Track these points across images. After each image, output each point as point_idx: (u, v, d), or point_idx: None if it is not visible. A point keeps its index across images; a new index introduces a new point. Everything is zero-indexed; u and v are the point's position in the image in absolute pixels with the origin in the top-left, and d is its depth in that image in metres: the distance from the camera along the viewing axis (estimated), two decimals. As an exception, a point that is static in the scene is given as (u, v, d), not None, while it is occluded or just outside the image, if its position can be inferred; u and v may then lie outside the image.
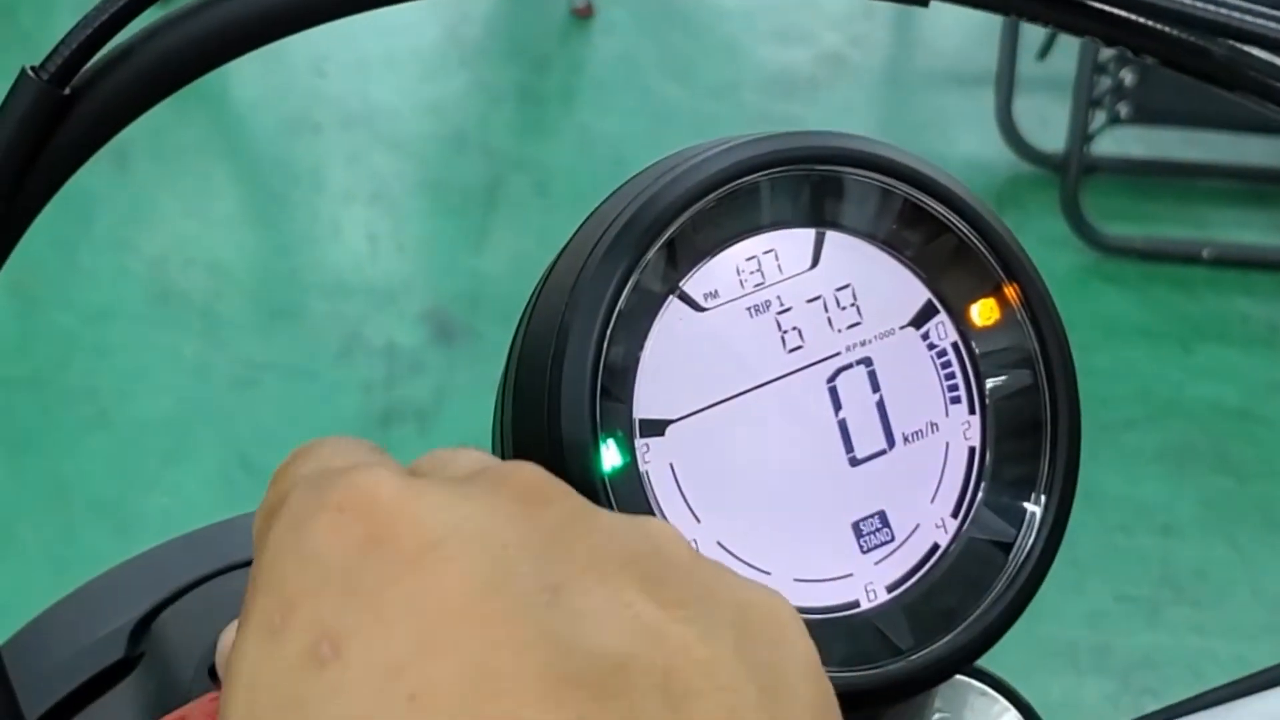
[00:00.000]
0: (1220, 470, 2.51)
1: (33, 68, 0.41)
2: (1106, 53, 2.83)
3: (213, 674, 0.47)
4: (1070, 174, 2.90)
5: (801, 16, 3.54)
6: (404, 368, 2.47)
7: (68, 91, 0.42)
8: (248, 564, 0.54)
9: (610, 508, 0.43)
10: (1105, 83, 2.89)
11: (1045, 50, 3.07)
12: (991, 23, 3.08)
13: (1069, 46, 2.98)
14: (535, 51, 3.34)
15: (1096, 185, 2.97)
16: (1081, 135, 2.90)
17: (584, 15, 3.38)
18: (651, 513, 0.44)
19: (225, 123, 3.08)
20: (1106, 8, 0.43)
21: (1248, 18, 0.41)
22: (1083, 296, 2.87)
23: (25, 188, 0.42)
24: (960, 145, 3.23)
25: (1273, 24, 0.41)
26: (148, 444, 2.34)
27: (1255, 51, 0.43)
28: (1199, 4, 0.41)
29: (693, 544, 0.45)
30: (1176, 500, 2.46)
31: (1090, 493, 2.45)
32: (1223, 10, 0.41)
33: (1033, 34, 3.00)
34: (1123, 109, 2.90)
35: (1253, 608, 2.27)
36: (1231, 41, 0.44)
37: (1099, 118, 2.92)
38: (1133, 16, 0.43)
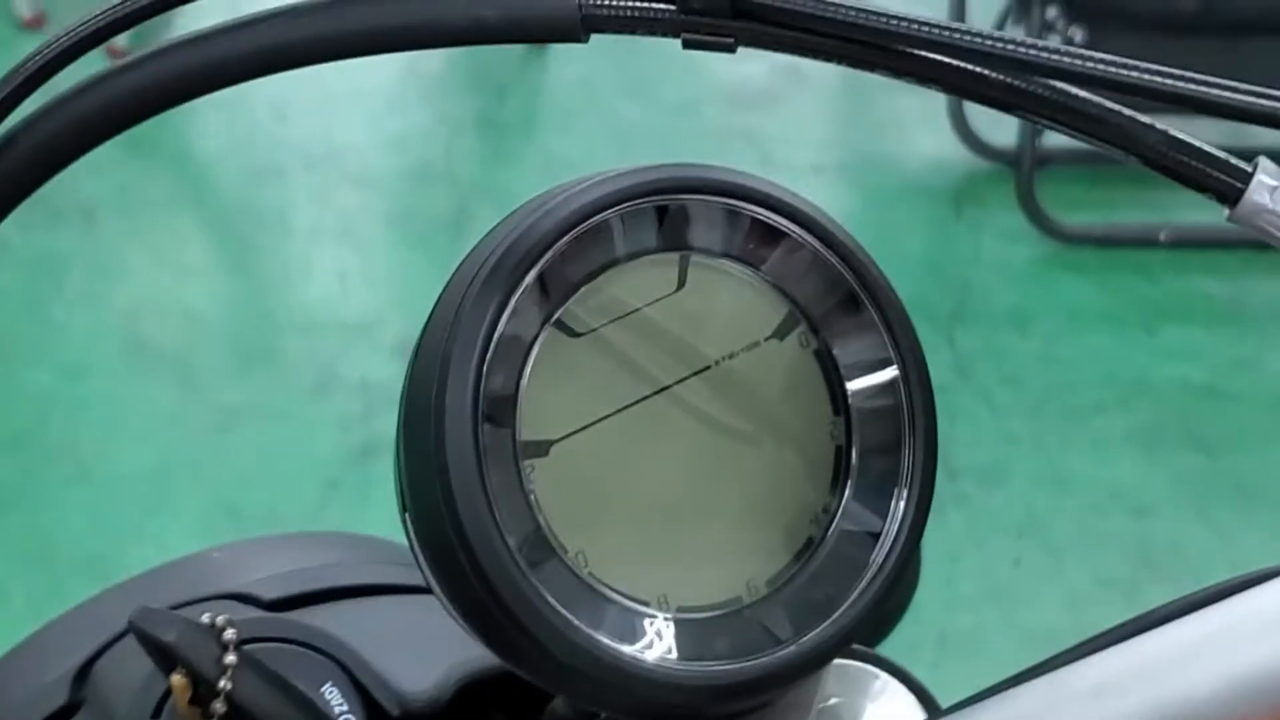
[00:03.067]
0: (1191, 448, 2.55)
1: None
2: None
3: (155, 715, 0.50)
4: (1024, 167, 2.94)
5: (754, 29, 3.56)
6: (380, 400, 2.50)
7: None
8: (178, 606, 0.57)
9: (499, 529, 0.46)
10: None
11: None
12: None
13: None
14: (495, 81, 3.38)
15: (1051, 177, 3.00)
16: (1032, 129, 2.93)
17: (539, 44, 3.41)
18: (539, 529, 0.47)
19: (190, 175, 3.12)
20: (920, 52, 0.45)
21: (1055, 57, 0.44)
22: (1044, 286, 2.91)
23: None
24: (917, 145, 3.27)
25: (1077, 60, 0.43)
26: (129, 496, 2.37)
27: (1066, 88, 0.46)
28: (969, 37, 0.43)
29: (579, 556, 0.48)
30: (1149, 480, 2.49)
31: (1063, 478, 2.49)
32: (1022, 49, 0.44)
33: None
34: (1072, 100, 2.92)
35: (1228, 582, 2.30)
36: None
37: (1050, 110, 2.95)
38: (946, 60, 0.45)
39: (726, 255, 0.50)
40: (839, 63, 0.47)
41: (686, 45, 0.49)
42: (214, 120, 3.19)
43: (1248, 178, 0.44)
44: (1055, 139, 2.98)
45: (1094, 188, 3.07)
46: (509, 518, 0.47)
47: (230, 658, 0.47)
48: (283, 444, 2.46)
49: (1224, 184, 0.44)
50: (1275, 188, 0.44)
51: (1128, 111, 0.44)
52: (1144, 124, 0.43)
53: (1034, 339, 2.77)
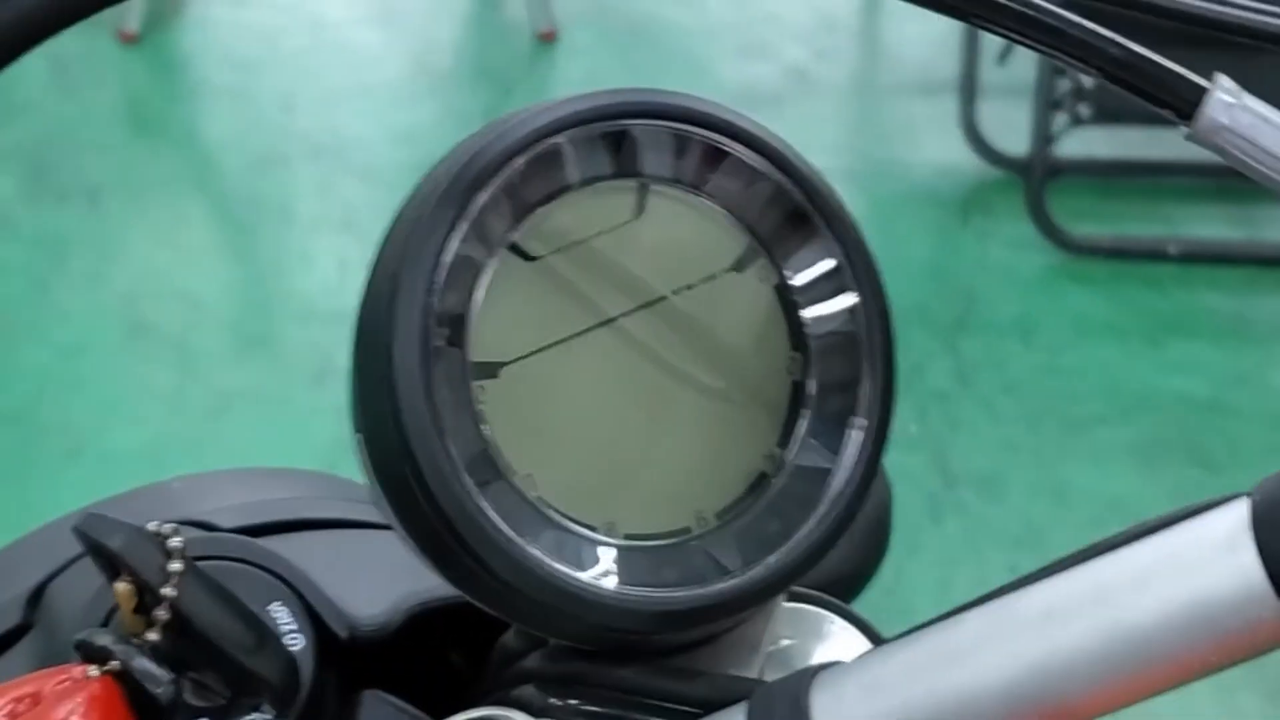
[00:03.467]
0: (1192, 462, 2.54)
1: None
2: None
3: (79, 647, 0.49)
4: (1034, 177, 2.93)
5: (766, 32, 3.57)
6: (378, 392, 2.49)
7: None
8: (175, 523, 0.56)
9: (446, 448, 0.46)
10: (1065, 85, 2.92)
11: (1005, 55, 3.10)
12: (953, 30, 3.11)
13: (1029, 51, 3.00)
14: (502, 76, 3.38)
15: (1062, 187, 2.99)
16: (1043, 138, 2.93)
17: (548, 39, 3.42)
18: (487, 449, 0.47)
19: (195, 160, 3.12)
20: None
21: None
22: (1052, 297, 2.90)
23: None
24: (927, 152, 3.27)
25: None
26: (122, 474, 2.35)
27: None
28: None
29: (527, 479, 0.48)
30: (1148, 493, 2.48)
31: (1062, 489, 2.48)
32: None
33: (993, 41, 3.04)
34: (1083, 110, 2.92)
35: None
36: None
37: (1061, 120, 2.95)
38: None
39: (685, 184, 0.50)
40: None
41: None
42: (221, 107, 3.20)
43: (1202, 93, 0.43)
44: (1068, 148, 2.98)
45: (1104, 199, 3.07)
46: (457, 436, 0.46)
47: (175, 565, 0.47)
48: (278, 430, 2.46)
49: (1180, 100, 0.44)
50: (1232, 105, 0.43)
51: (1089, 24, 0.43)
52: (1103, 36, 0.42)
53: (1038, 349, 2.77)
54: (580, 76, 3.37)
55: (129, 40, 3.27)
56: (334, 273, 2.78)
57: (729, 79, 3.40)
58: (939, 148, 3.19)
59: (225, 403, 2.50)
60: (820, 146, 3.26)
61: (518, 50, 3.42)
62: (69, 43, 3.32)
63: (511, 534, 0.46)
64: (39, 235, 2.77)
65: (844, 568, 0.69)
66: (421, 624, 0.55)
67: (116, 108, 3.17)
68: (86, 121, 3.11)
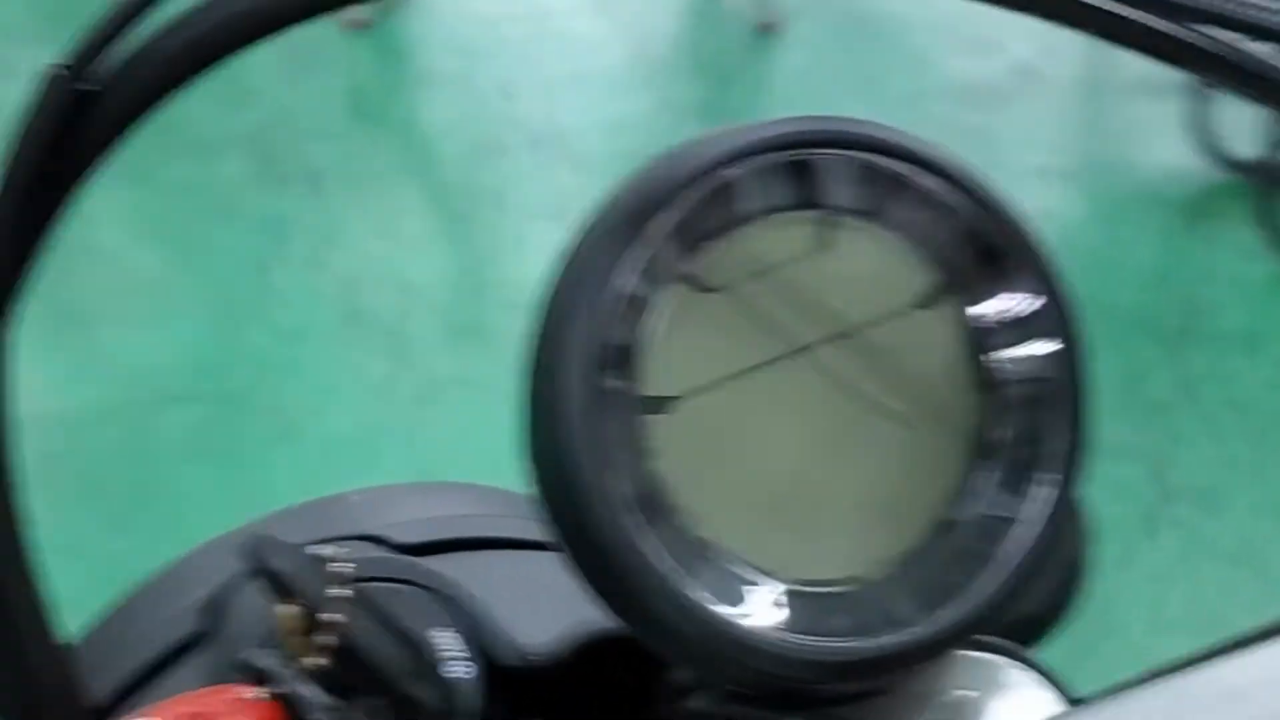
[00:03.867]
0: None
1: (56, 64, 0.44)
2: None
3: (242, 667, 0.49)
4: (1264, 183, 2.82)
5: (992, 28, 3.49)
6: (586, 381, 2.50)
7: (90, 86, 0.44)
8: (310, 544, 0.56)
9: (612, 484, 0.44)
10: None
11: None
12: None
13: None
14: (720, 68, 3.37)
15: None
16: (1275, 143, 2.81)
17: (769, 30, 3.39)
18: (655, 487, 0.45)
19: (415, 147, 3.17)
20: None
21: None
22: (1277, 307, 2.79)
23: (50, 184, 0.44)
24: (1152, 154, 3.17)
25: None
26: (334, 458, 2.42)
27: None
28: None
29: (695, 518, 0.46)
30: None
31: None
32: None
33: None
34: (1321, 114, 2.80)
35: None
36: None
37: (1295, 123, 2.83)
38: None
39: (871, 215, 0.48)
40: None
41: None
42: (442, 94, 3.25)
43: None
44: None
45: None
46: (624, 471, 0.45)
47: (341, 590, 0.46)
48: (487, 419, 2.48)
49: None
50: None
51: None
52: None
53: (1264, 363, 2.66)
54: (800, 69, 3.34)
55: (357, 27, 3.34)
56: (546, 262, 2.80)
57: (953, 74, 3.33)
58: (1166, 150, 3.09)
59: (436, 390, 2.53)
60: (1044, 145, 3.18)
61: (737, 41, 3.40)
62: (298, 30, 3.39)
63: (675, 574, 0.45)
64: (262, 219, 2.85)
65: (1032, 609, 0.66)
66: (591, 654, 0.54)
67: (341, 94, 3.24)
68: (312, 108, 3.18)
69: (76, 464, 2.37)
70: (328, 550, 0.47)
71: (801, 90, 3.30)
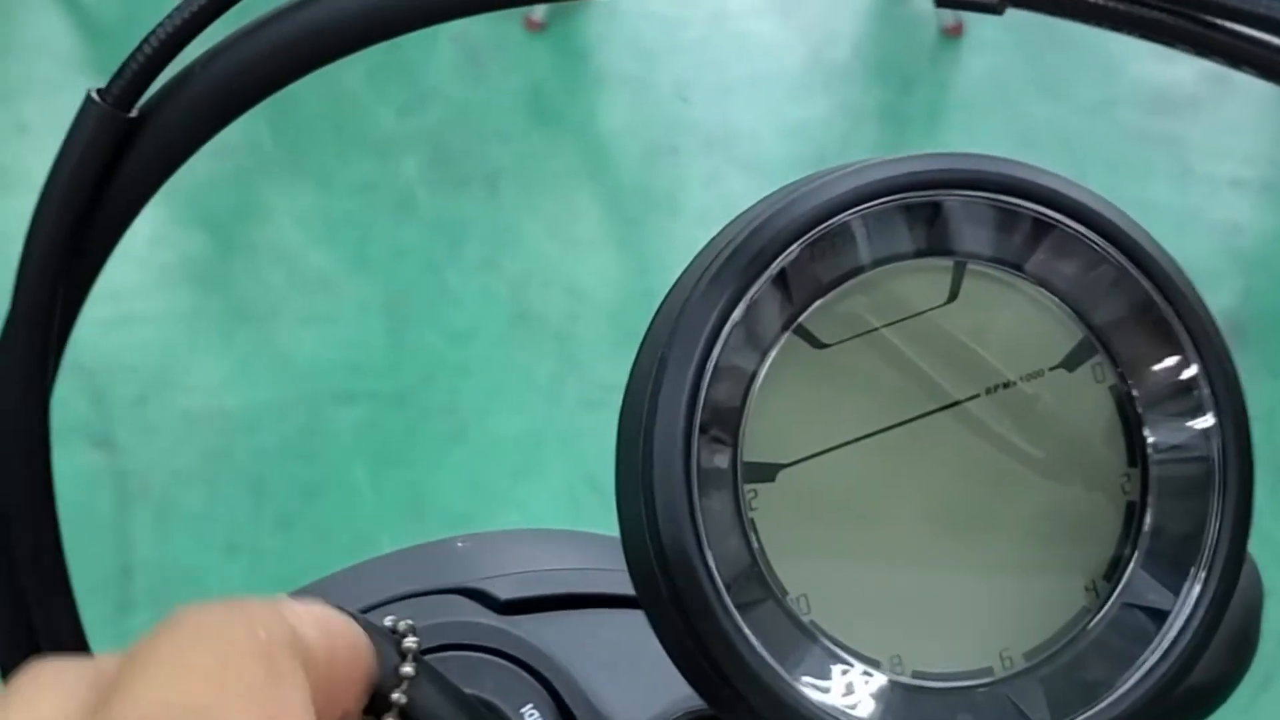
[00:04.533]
0: None
1: (97, 91, 0.41)
2: None
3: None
4: None
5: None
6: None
7: (134, 114, 0.42)
8: (411, 596, 0.53)
9: (705, 561, 0.40)
10: None
11: None
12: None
13: None
14: (902, 72, 3.29)
15: None
16: None
17: (954, 34, 3.30)
18: (756, 564, 0.41)
19: (590, 149, 3.15)
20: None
21: None
22: None
23: (99, 217, 0.41)
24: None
25: None
26: (501, 460, 2.41)
27: None
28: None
29: (801, 600, 0.42)
30: None
31: None
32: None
33: None
34: None
35: None
36: None
37: None
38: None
39: (1009, 265, 0.43)
40: (1115, 28, 0.39)
41: (940, 3, 0.41)
42: (619, 96, 3.22)
43: None
44: None
45: None
46: (721, 549, 0.41)
47: (408, 668, 0.43)
48: (652, 425, 2.45)
49: None
50: None
51: None
52: None
53: None
54: (984, 75, 3.25)
55: (535, 28, 3.33)
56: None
57: (1143, 79, 3.21)
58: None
59: (602, 395, 2.51)
60: (1238, 155, 3.05)
61: (920, 46, 3.32)
62: (478, 30, 3.41)
63: (777, 665, 0.40)
64: (437, 219, 2.85)
65: (1200, 679, 0.60)
66: (688, 733, 0.50)
67: (519, 95, 3.23)
68: (490, 108, 3.18)
69: (244, 461, 2.39)
70: (400, 623, 0.43)
71: (984, 96, 3.21)
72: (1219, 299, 2.61)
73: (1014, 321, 0.43)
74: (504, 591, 0.55)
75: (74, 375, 2.53)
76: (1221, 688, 0.64)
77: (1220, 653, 0.62)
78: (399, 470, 2.43)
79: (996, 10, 0.42)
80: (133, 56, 0.41)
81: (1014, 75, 3.24)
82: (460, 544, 0.63)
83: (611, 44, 3.45)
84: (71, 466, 2.38)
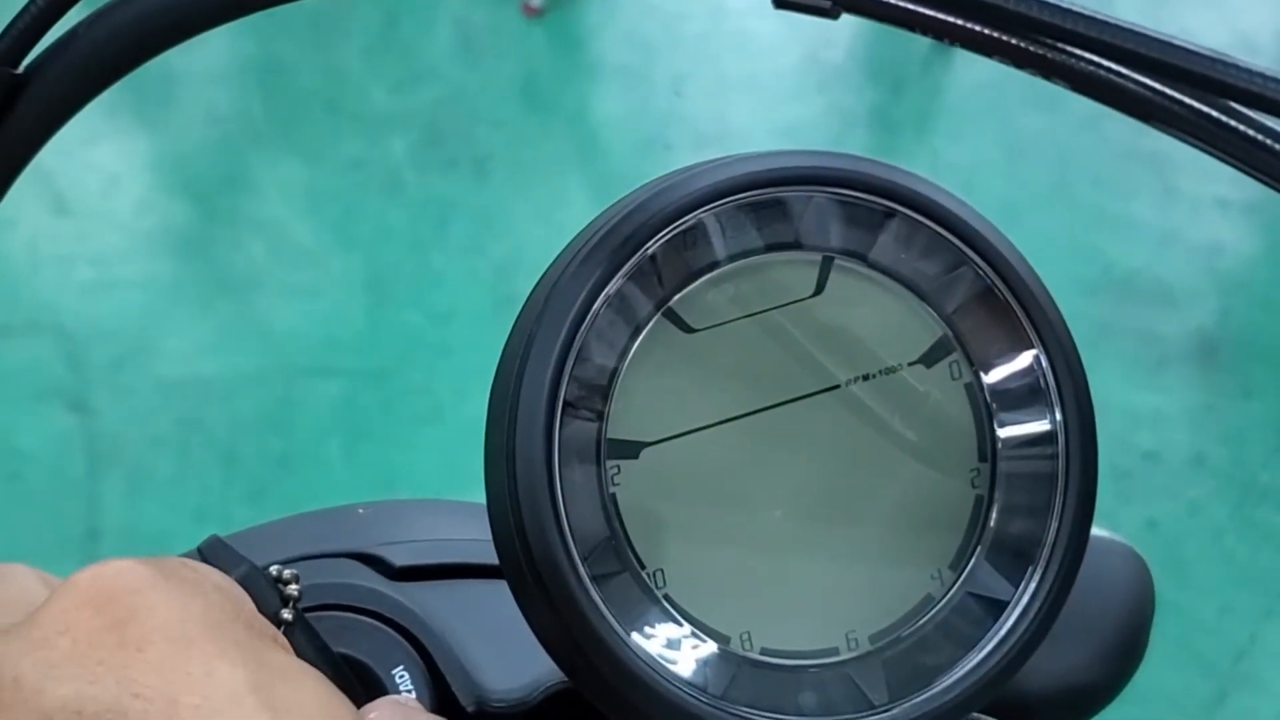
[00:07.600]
0: None
1: None
2: None
3: None
4: None
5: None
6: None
7: (19, 72, 0.43)
8: (308, 558, 0.54)
9: (562, 530, 0.42)
10: None
11: None
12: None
13: None
14: (895, 76, 3.30)
15: None
16: None
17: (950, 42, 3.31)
18: (614, 538, 0.43)
19: (581, 138, 3.16)
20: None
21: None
22: None
23: None
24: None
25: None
26: (474, 441, 2.41)
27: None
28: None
29: (657, 575, 0.43)
30: None
31: None
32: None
33: None
34: None
35: None
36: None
37: None
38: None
39: (883, 266, 0.44)
40: (942, 40, 0.41)
41: (779, 4, 0.43)
42: (614, 86, 3.23)
43: None
44: None
45: None
46: (581, 521, 0.42)
47: (286, 614, 0.44)
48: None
49: None
50: None
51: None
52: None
53: None
54: (976, 82, 3.27)
55: (533, 14, 3.34)
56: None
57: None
58: (1357, 186, 2.95)
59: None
60: (1222, 175, 3.06)
61: (915, 50, 3.33)
62: (476, 14, 3.41)
63: (626, 634, 0.42)
64: (425, 200, 2.86)
65: (1084, 677, 0.62)
66: (562, 703, 0.51)
67: (513, 80, 3.24)
68: (483, 92, 3.19)
69: (218, 430, 2.40)
70: (284, 571, 0.45)
71: (976, 104, 3.22)
72: (1196, 318, 2.62)
73: (877, 316, 0.44)
74: (399, 558, 0.57)
75: (52, 338, 2.54)
76: (1104, 691, 0.65)
77: (1105, 656, 0.64)
78: (372, 446, 2.44)
79: (831, 15, 0.44)
80: (19, 15, 0.42)
81: (1008, 85, 3.24)
82: (362, 510, 0.64)
83: (609, 34, 3.46)
84: (45, 428, 2.40)
